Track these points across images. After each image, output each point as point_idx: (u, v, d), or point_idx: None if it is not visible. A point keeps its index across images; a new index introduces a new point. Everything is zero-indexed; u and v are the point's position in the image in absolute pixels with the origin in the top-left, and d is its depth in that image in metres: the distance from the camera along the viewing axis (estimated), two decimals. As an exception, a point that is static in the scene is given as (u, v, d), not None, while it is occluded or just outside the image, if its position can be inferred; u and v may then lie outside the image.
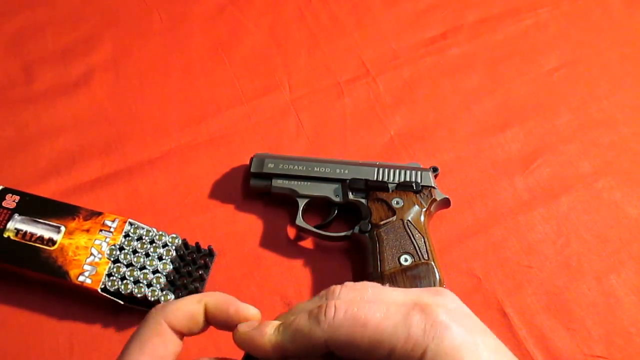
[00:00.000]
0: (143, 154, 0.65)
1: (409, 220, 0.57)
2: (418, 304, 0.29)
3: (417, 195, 0.59)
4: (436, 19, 0.77)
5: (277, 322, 0.31)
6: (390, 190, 0.59)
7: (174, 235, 0.56)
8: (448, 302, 0.30)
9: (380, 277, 0.54)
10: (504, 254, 0.60)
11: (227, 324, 0.33)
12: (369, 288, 0.30)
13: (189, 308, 0.33)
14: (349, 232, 0.58)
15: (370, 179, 0.60)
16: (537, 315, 0.56)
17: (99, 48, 0.74)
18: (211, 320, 0.33)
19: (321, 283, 0.58)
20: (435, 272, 0.54)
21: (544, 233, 0.61)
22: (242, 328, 0.31)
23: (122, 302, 0.54)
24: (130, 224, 0.57)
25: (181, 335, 0.33)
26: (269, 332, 0.30)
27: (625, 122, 0.69)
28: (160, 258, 0.55)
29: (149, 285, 0.53)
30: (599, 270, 0.59)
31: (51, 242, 0.55)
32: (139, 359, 0.31)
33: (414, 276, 0.53)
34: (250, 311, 0.33)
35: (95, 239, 0.56)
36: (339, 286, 0.31)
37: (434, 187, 0.60)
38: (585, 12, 0.78)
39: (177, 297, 0.53)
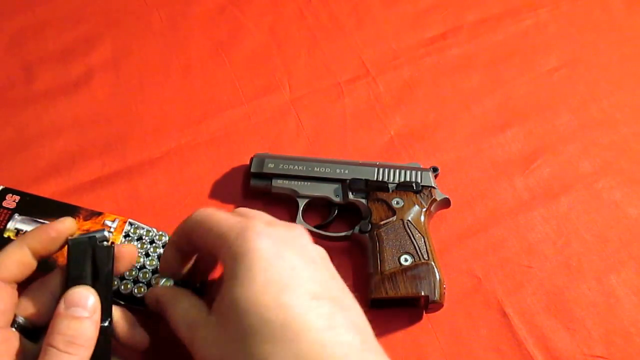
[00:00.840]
0: (143, 154, 0.65)
1: (409, 220, 0.57)
2: (246, 222, 0.40)
3: (417, 195, 0.59)
4: (436, 19, 0.77)
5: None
6: (390, 190, 0.59)
7: (162, 233, 0.56)
8: (273, 227, 0.40)
9: (381, 277, 0.54)
10: (504, 254, 0.60)
11: (56, 247, 0.41)
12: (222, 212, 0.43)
13: (14, 257, 0.38)
14: (349, 232, 0.58)
15: (371, 179, 0.60)
16: (537, 315, 0.56)
17: (99, 48, 0.74)
18: (43, 254, 0.40)
19: (321, 283, 0.58)
20: (435, 272, 0.54)
21: (544, 233, 0.61)
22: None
23: (122, 302, 0.54)
24: (130, 224, 0.57)
25: (15, 284, 0.39)
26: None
27: (625, 122, 0.69)
28: (160, 258, 0.55)
29: (149, 285, 0.53)
30: (599, 270, 0.59)
31: (51, 242, 0.55)
32: None
33: (414, 276, 0.53)
34: (64, 220, 0.41)
35: (95, 239, 0.55)
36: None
37: (434, 187, 0.60)
38: (585, 12, 0.78)
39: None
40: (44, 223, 0.56)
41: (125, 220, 0.57)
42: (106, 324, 0.39)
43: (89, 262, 0.39)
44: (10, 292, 0.38)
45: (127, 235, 0.56)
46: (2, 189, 0.58)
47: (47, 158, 0.65)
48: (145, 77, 0.72)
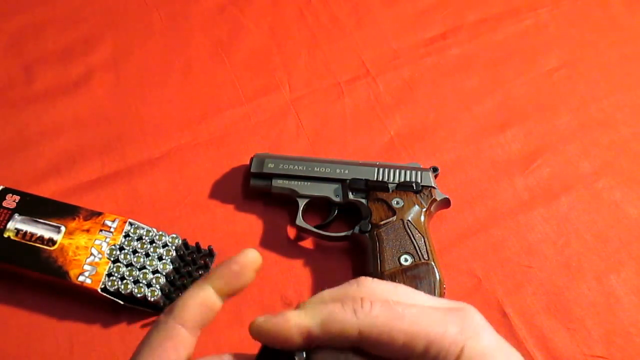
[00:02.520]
0: (143, 154, 0.65)
1: (409, 220, 0.57)
2: (452, 307, 0.29)
3: (417, 195, 0.59)
4: (436, 19, 0.77)
5: (302, 310, 0.29)
6: (391, 190, 0.59)
7: (174, 235, 0.56)
8: (476, 312, 0.29)
9: (380, 277, 0.54)
10: (504, 254, 0.60)
11: (243, 283, 0.32)
12: (401, 286, 0.30)
13: (199, 299, 0.31)
14: (349, 232, 0.58)
15: (371, 179, 0.60)
16: (537, 315, 0.56)
17: (99, 48, 0.74)
18: (228, 293, 0.32)
19: (321, 283, 0.58)
20: (435, 272, 0.54)
21: (544, 233, 0.61)
22: (261, 318, 0.29)
23: (122, 302, 0.54)
24: (130, 224, 0.57)
25: (198, 330, 0.31)
26: (295, 317, 0.28)
27: (625, 122, 0.69)
28: (160, 258, 0.55)
29: (149, 285, 0.53)
30: (599, 270, 0.59)
31: (51, 242, 0.55)
32: None
33: (414, 276, 0.53)
34: (249, 253, 0.32)
35: (95, 239, 0.56)
36: (369, 278, 0.30)
37: (434, 187, 0.60)
38: (585, 12, 0.78)
39: (176, 296, 0.53)
40: (44, 223, 0.56)
41: (125, 220, 0.57)
42: None
43: None
44: (189, 343, 0.31)
45: (127, 235, 0.56)
46: (2, 189, 0.58)
47: (47, 158, 0.65)
48: (145, 77, 0.72)
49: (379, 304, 0.28)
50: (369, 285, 0.29)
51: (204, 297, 0.31)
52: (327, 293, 0.30)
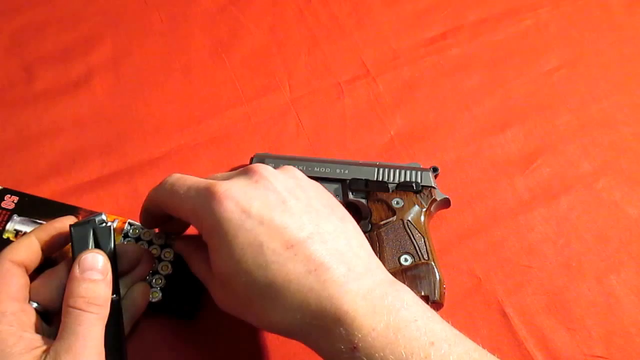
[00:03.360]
0: (143, 154, 0.65)
1: (409, 221, 0.57)
2: (210, 186, 0.41)
3: (417, 195, 0.59)
4: (436, 19, 0.77)
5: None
6: (391, 191, 0.59)
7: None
8: (237, 181, 0.42)
9: (380, 277, 0.54)
10: (504, 254, 0.60)
11: (61, 242, 0.45)
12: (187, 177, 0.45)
13: (24, 244, 0.43)
14: (349, 232, 0.58)
15: (371, 179, 0.60)
16: (537, 315, 0.56)
17: (99, 48, 0.74)
18: (50, 246, 0.45)
19: (321, 283, 0.58)
20: (435, 272, 0.54)
21: (544, 233, 0.61)
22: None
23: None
24: (130, 224, 0.57)
25: (27, 269, 0.43)
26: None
27: (625, 122, 0.69)
28: (159, 259, 0.55)
29: (150, 286, 0.53)
30: (599, 270, 0.59)
31: (51, 242, 0.55)
32: (2, 299, 0.40)
33: (414, 276, 0.53)
34: (70, 218, 0.46)
35: (95, 239, 0.55)
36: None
37: (434, 187, 0.60)
38: (585, 12, 0.78)
39: (176, 297, 0.53)
40: (43, 224, 0.56)
41: (124, 220, 0.57)
42: (115, 297, 0.43)
43: (91, 243, 0.43)
44: (22, 273, 0.42)
45: (126, 236, 0.56)
46: (1, 190, 0.58)
47: (47, 158, 0.65)
48: (145, 77, 0.72)
49: (167, 182, 0.45)
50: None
51: (30, 243, 0.43)
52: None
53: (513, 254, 0.60)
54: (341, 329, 0.36)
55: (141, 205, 0.50)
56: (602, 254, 0.60)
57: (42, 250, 0.44)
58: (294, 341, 0.40)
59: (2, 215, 0.56)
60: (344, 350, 0.35)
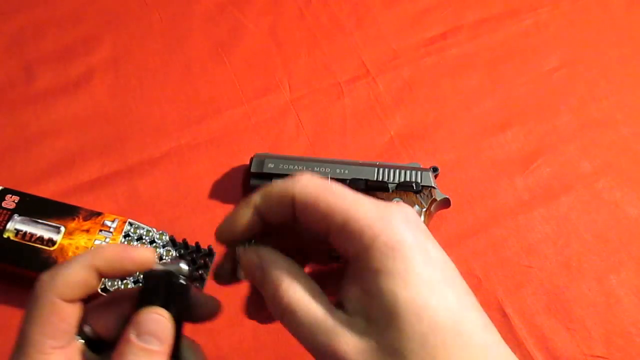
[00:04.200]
0: (143, 154, 0.65)
1: (409, 220, 0.57)
2: (385, 204, 0.31)
3: (417, 195, 0.59)
4: (436, 19, 0.77)
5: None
6: (391, 191, 0.59)
7: (162, 232, 0.56)
8: (411, 212, 0.31)
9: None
10: (504, 254, 0.60)
11: (128, 275, 0.34)
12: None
13: (79, 277, 0.32)
14: (349, 232, 0.58)
15: (371, 179, 0.60)
16: (537, 315, 0.56)
17: (99, 48, 0.74)
18: (110, 277, 0.34)
19: (321, 283, 0.58)
20: (435, 272, 0.54)
21: (544, 233, 0.61)
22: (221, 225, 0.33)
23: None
24: (130, 224, 0.57)
25: (77, 300, 0.32)
26: (245, 204, 0.32)
27: (625, 122, 0.69)
28: (160, 258, 0.55)
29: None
30: (599, 270, 0.59)
31: (51, 242, 0.55)
32: (44, 342, 0.31)
33: (414, 276, 0.53)
34: (146, 253, 0.33)
35: (95, 239, 0.56)
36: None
37: (434, 187, 0.60)
38: (585, 12, 0.78)
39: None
40: (43, 223, 0.56)
41: (125, 220, 0.57)
42: None
43: (162, 294, 0.35)
44: (75, 310, 0.33)
45: (127, 235, 0.56)
46: (2, 190, 0.58)
47: (47, 158, 0.65)
48: (145, 77, 0.72)
49: (315, 179, 0.31)
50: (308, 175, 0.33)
51: (88, 276, 0.32)
52: (272, 185, 0.33)
53: (513, 254, 0.60)
54: None
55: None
56: (602, 254, 0.60)
57: (99, 278, 0.34)
58: (294, 340, 0.40)
59: (2, 215, 0.56)
60: None
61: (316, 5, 0.78)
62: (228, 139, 0.67)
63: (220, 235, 0.34)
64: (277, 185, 0.32)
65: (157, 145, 0.66)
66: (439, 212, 0.61)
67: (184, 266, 0.34)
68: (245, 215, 0.32)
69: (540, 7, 0.78)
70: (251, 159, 0.62)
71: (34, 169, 0.64)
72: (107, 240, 0.55)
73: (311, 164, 0.61)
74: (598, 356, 0.54)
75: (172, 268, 0.34)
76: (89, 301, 0.34)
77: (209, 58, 0.73)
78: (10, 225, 0.56)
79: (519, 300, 0.57)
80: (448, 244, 0.59)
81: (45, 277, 0.32)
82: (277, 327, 0.38)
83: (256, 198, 0.32)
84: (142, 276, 0.34)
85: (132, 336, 0.32)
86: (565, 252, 0.60)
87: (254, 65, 0.73)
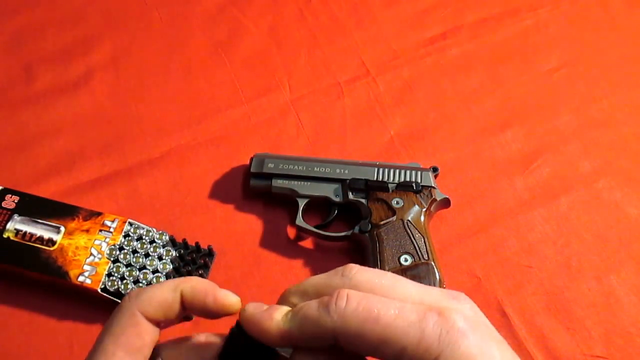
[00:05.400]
0: (143, 154, 0.65)
1: (409, 220, 0.57)
2: (435, 307, 0.27)
3: (417, 195, 0.59)
4: (436, 19, 0.77)
5: (286, 308, 0.29)
6: (390, 190, 0.59)
7: (162, 232, 0.56)
8: (466, 308, 0.28)
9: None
10: (504, 254, 0.60)
11: (205, 312, 0.32)
12: (387, 275, 0.29)
13: (164, 296, 0.32)
14: (349, 232, 0.58)
15: (370, 179, 0.60)
16: (537, 315, 0.56)
17: (99, 48, 0.74)
18: (189, 307, 0.32)
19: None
20: (435, 272, 0.54)
21: (544, 233, 0.61)
22: (250, 309, 0.30)
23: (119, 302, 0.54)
24: (130, 224, 0.57)
25: (157, 323, 0.32)
26: (277, 317, 0.29)
27: (625, 122, 0.69)
28: (160, 258, 0.55)
29: (149, 285, 0.53)
30: (599, 270, 0.59)
31: (51, 242, 0.55)
32: (115, 352, 0.30)
33: (414, 276, 0.53)
34: (230, 298, 0.32)
35: (95, 239, 0.56)
36: (356, 266, 0.29)
37: (434, 187, 0.60)
38: (585, 12, 0.78)
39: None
40: (43, 223, 0.56)
41: (124, 220, 0.57)
42: None
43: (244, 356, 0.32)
44: (152, 331, 0.32)
45: (126, 235, 0.56)
46: (2, 190, 0.58)
47: (47, 158, 0.65)
48: (145, 77, 0.72)
49: (355, 300, 0.27)
50: (353, 275, 0.29)
51: (173, 299, 0.32)
52: (311, 283, 0.30)
53: (513, 254, 0.60)
54: None
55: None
56: (602, 254, 0.60)
57: (182, 309, 0.33)
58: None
59: (2, 215, 0.56)
60: None
61: (316, 5, 0.78)
62: (228, 139, 0.67)
63: (245, 325, 0.30)
64: (311, 312, 0.28)
65: (157, 145, 0.66)
66: (439, 212, 0.61)
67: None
68: (272, 338, 0.29)
69: (540, 7, 0.78)
70: (251, 159, 0.62)
71: (34, 169, 0.64)
72: (107, 240, 0.56)
73: (311, 164, 0.61)
74: (598, 356, 0.54)
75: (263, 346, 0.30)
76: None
77: (209, 58, 0.73)
78: (10, 225, 0.56)
79: (519, 300, 0.57)
80: (448, 244, 0.60)
81: (132, 292, 0.32)
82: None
83: (289, 326, 0.28)
84: (230, 332, 0.32)
85: None
86: (565, 252, 0.60)
87: (254, 65, 0.73)
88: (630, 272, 0.58)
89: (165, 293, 0.32)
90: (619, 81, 0.72)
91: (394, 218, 0.57)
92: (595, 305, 0.57)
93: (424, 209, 0.58)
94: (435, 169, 0.62)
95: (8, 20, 0.75)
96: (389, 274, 0.29)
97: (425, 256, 0.55)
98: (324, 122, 0.69)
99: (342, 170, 0.61)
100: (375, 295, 0.28)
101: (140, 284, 0.53)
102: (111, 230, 0.56)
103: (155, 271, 0.54)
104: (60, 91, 0.70)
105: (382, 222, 0.57)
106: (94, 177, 0.64)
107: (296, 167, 0.61)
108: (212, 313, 0.32)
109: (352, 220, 0.60)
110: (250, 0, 0.78)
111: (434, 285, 0.53)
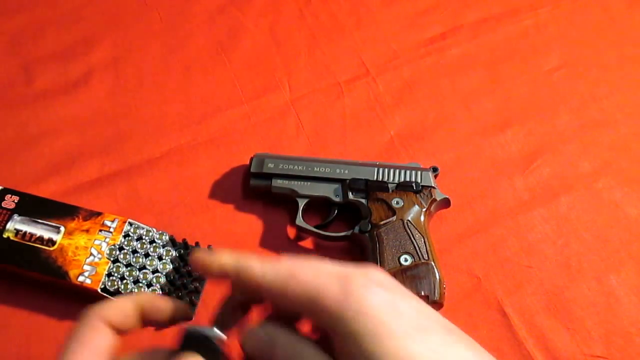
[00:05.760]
0: (143, 154, 0.65)
1: (409, 220, 0.57)
2: (344, 272, 0.33)
3: (417, 195, 0.59)
4: (436, 19, 0.77)
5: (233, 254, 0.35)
6: (390, 190, 0.59)
7: (162, 232, 0.56)
8: (377, 272, 0.33)
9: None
10: (504, 254, 0.60)
11: (161, 320, 0.37)
12: (312, 259, 0.34)
13: (123, 306, 0.36)
14: (349, 232, 0.58)
15: (370, 179, 0.60)
16: (537, 315, 0.56)
17: (99, 48, 0.74)
18: (146, 317, 0.37)
19: (321, 283, 0.58)
20: (435, 272, 0.54)
21: (544, 233, 0.61)
22: (199, 252, 0.35)
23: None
24: (130, 224, 0.57)
25: (117, 331, 0.36)
26: (224, 256, 0.34)
27: (625, 122, 0.69)
28: (160, 258, 0.55)
29: (149, 285, 0.53)
30: (599, 270, 0.59)
31: (51, 242, 0.55)
32: (82, 352, 0.34)
33: (414, 276, 0.53)
34: (183, 306, 0.37)
35: (94, 239, 0.56)
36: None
37: (434, 187, 0.60)
38: (585, 12, 0.78)
39: (177, 297, 0.53)
40: (43, 223, 0.56)
41: (124, 220, 0.57)
42: None
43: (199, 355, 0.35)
44: (110, 334, 0.36)
45: (126, 235, 0.56)
46: (2, 189, 0.58)
47: (47, 158, 0.65)
48: (145, 77, 0.72)
49: (285, 262, 0.33)
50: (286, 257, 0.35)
51: (130, 307, 0.36)
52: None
53: (513, 254, 0.60)
54: None
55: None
56: (602, 254, 0.60)
57: (139, 319, 0.37)
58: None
59: (2, 215, 0.56)
60: None
61: (316, 5, 0.78)
62: (228, 139, 0.67)
63: (195, 260, 0.36)
64: (250, 260, 0.33)
65: (157, 145, 0.66)
66: (439, 212, 0.61)
67: (220, 334, 0.35)
68: (210, 268, 0.35)
69: (540, 7, 0.78)
70: (251, 159, 0.62)
71: (34, 169, 0.64)
72: (107, 240, 0.56)
73: (311, 163, 0.61)
74: (598, 356, 0.54)
75: (209, 333, 0.35)
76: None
77: (209, 58, 0.73)
78: (10, 225, 0.56)
79: (519, 300, 0.57)
80: (448, 244, 0.60)
81: (95, 304, 0.36)
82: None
83: (228, 262, 0.34)
84: (182, 335, 0.35)
85: None
86: (565, 252, 0.60)
87: (254, 65, 0.73)
88: (630, 272, 0.58)
89: (124, 302, 0.37)
90: (619, 81, 0.72)
91: (394, 218, 0.57)
92: (595, 305, 0.57)
93: (424, 209, 0.58)
94: (435, 169, 0.62)
95: (8, 20, 0.75)
96: (315, 259, 0.34)
97: (425, 256, 0.55)
98: (324, 122, 0.69)
99: (342, 170, 0.61)
100: (300, 261, 0.34)
101: (140, 284, 0.53)
102: (111, 230, 0.56)
103: (155, 271, 0.54)
104: (60, 91, 0.70)
105: (382, 222, 0.57)
106: (94, 177, 0.64)
107: (296, 167, 0.61)
108: (166, 321, 0.37)
109: (352, 220, 0.60)
110: (250, 0, 0.78)
111: (434, 285, 0.53)
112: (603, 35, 0.76)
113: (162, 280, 0.54)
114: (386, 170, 0.60)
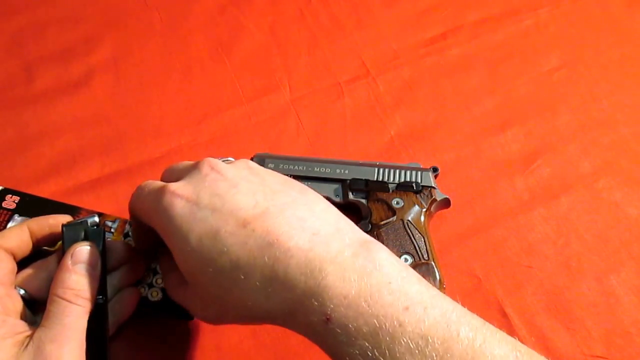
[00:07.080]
0: (143, 154, 0.65)
1: (409, 221, 0.57)
2: (156, 189, 0.42)
3: (417, 195, 0.59)
4: (436, 19, 0.77)
5: None
6: (391, 191, 0.59)
7: None
8: (175, 186, 0.41)
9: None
10: (504, 254, 0.60)
11: (51, 238, 0.46)
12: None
13: (15, 232, 0.44)
14: (349, 232, 0.58)
15: (371, 179, 0.60)
16: (537, 315, 0.56)
17: (99, 48, 0.74)
18: (40, 240, 0.46)
19: (321, 283, 0.58)
20: (435, 272, 0.54)
21: (544, 233, 0.61)
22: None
23: (122, 302, 0.54)
24: (130, 224, 0.57)
25: (15, 256, 0.44)
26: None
27: (625, 122, 0.69)
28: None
29: (150, 285, 0.53)
30: (599, 270, 0.59)
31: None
32: None
33: (414, 276, 0.53)
34: (65, 217, 0.47)
35: (95, 239, 0.55)
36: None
37: (434, 187, 0.60)
38: (585, 12, 0.78)
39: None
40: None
41: (125, 220, 0.57)
42: (102, 298, 0.43)
43: (83, 238, 0.44)
44: (10, 259, 0.43)
45: (127, 235, 0.56)
46: (2, 190, 0.58)
47: (47, 158, 0.65)
48: (145, 77, 0.72)
49: (141, 187, 0.45)
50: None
51: (22, 233, 0.45)
52: None
53: (513, 254, 0.60)
54: (312, 299, 0.34)
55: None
56: (602, 254, 0.60)
57: (32, 241, 0.45)
58: (293, 340, 0.40)
59: (3, 215, 0.56)
60: (317, 322, 0.34)
61: (316, 5, 0.78)
62: (228, 139, 0.67)
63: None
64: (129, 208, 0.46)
65: (157, 145, 0.66)
66: (439, 212, 0.61)
67: (96, 218, 0.44)
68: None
69: (540, 7, 0.78)
70: (251, 159, 0.62)
71: (34, 169, 0.64)
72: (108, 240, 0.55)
73: (311, 164, 0.61)
74: (598, 356, 0.54)
75: (85, 219, 0.44)
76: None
77: (209, 58, 0.74)
78: (10, 226, 0.56)
79: (519, 300, 0.57)
80: (448, 244, 0.60)
81: None
82: (277, 327, 0.38)
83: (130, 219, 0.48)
84: (62, 230, 0.44)
85: (68, 264, 0.41)
86: (565, 252, 0.60)
87: (254, 65, 0.73)
88: (630, 272, 0.58)
89: (16, 230, 0.45)
90: (619, 81, 0.72)
91: (394, 218, 0.57)
92: (595, 305, 0.57)
93: (424, 209, 0.58)
94: (435, 169, 0.62)
95: (8, 20, 0.76)
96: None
97: (425, 256, 0.55)
98: (324, 122, 0.69)
99: (342, 171, 0.61)
100: (147, 184, 0.44)
101: (140, 284, 0.53)
102: (112, 230, 0.56)
103: (155, 272, 0.54)
104: (61, 91, 0.70)
105: (382, 222, 0.57)
106: (94, 177, 0.64)
107: (296, 167, 0.61)
108: (57, 232, 0.46)
109: (352, 220, 0.59)
110: (250, 0, 0.79)
111: (435, 285, 0.53)
112: (603, 35, 0.76)
113: (162, 283, 0.54)
114: (386, 170, 0.60)
